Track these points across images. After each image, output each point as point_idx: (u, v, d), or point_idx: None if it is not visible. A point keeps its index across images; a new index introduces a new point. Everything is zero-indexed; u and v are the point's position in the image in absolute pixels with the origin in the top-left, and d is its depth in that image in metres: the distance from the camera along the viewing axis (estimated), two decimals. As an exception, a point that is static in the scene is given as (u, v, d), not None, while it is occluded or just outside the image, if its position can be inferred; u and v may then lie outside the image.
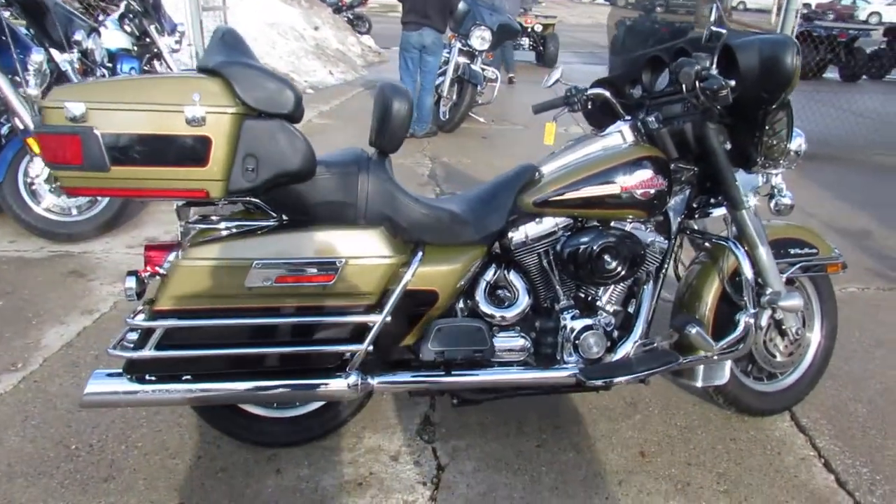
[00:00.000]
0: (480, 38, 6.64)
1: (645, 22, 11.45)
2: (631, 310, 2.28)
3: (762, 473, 2.21)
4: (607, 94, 2.42)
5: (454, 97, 6.78)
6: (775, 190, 2.25)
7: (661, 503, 2.07)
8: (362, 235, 1.86)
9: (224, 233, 1.89)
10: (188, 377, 1.90)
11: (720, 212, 2.33)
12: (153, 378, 1.89)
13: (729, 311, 2.32)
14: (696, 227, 2.38)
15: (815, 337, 2.50)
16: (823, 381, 2.58)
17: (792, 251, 2.37)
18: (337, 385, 1.96)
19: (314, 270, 1.81)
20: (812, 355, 2.51)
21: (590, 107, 2.48)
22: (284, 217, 1.93)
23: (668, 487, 2.13)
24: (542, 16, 12.55)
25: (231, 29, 1.92)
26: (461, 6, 6.60)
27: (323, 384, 1.96)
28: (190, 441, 2.23)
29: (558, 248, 2.13)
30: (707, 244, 2.39)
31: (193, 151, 1.71)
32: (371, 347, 1.91)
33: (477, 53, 6.76)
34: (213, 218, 1.92)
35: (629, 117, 2.32)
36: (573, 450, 2.28)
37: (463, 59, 6.75)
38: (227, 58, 1.77)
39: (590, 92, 2.44)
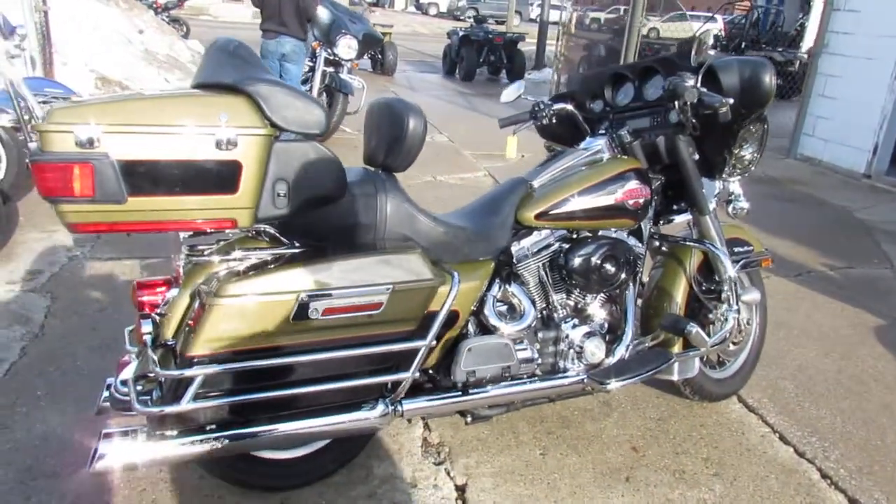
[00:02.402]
0: (347, 47, 6.55)
1: (478, 32, 12.01)
2: (607, 314, 2.40)
3: (737, 454, 2.43)
4: (572, 108, 2.53)
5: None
6: (733, 196, 2.49)
7: (668, 493, 2.20)
8: (406, 259, 1.79)
9: (242, 265, 1.73)
10: (212, 426, 1.71)
11: (681, 218, 2.53)
12: (173, 432, 1.68)
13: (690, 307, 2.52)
14: (663, 233, 2.56)
15: (753, 325, 2.79)
16: (753, 364, 2.87)
17: (736, 249, 2.62)
18: (372, 416, 1.87)
19: (363, 299, 1.72)
20: (751, 342, 2.80)
21: (554, 121, 2.57)
22: (296, 243, 1.81)
23: (668, 478, 2.27)
24: (380, 24, 12.62)
25: (241, 42, 1.77)
26: (323, 15, 6.48)
27: (358, 417, 1.86)
28: (184, 497, 2.00)
29: (564, 259, 2.19)
30: (664, 248, 2.58)
31: (222, 178, 1.56)
32: (418, 374, 1.85)
33: (343, 62, 6.66)
34: (205, 249, 1.76)
35: (602, 131, 2.44)
36: (574, 453, 2.35)
37: (329, 69, 6.63)
38: (245, 74, 1.63)
39: (556, 107, 2.53)
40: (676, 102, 2.17)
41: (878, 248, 4.84)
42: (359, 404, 1.89)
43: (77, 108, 1.48)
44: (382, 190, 1.89)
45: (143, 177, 1.49)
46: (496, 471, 2.23)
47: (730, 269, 2.37)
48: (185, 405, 1.59)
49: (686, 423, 2.59)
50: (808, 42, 14.00)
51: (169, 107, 1.54)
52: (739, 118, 2.21)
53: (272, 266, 1.71)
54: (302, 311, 1.65)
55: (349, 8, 7.06)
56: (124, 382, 1.78)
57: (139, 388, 1.73)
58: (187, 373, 1.59)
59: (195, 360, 1.60)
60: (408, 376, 1.85)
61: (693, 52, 2.15)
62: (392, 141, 1.93)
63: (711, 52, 2.14)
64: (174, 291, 1.78)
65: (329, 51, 6.57)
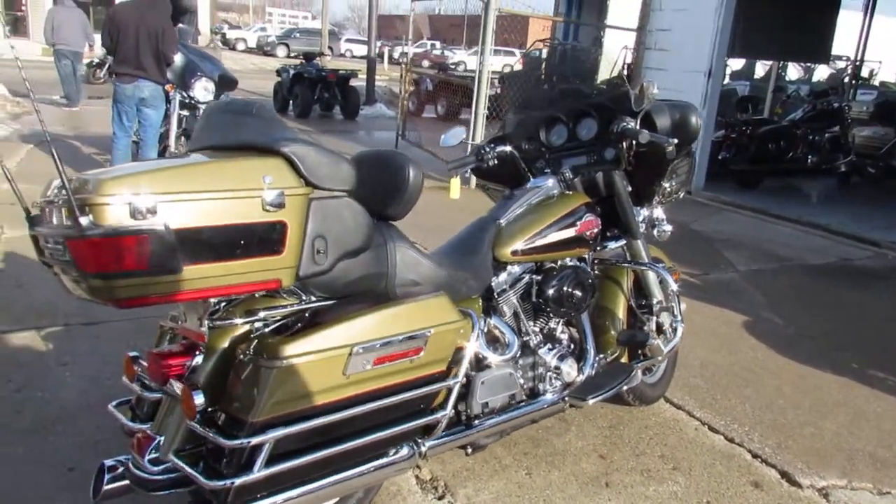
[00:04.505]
0: (203, 90, 6.34)
1: (311, 69, 12.01)
2: (570, 336, 2.62)
3: (683, 447, 2.76)
4: (511, 150, 2.75)
5: (183, 151, 6.35)
6: (657, 221, 2.84)
7: (644, 491, 2.46)
8: (437, 303, 1.88)
9: (268, 324, 1.73)
10: (265, 492, 1.68)
11: (614, 244, 2.83)
12: (236, 504, 1.62)
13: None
14: (601, 258, 2.84)
15: (671, 333, 3.17)
16: (667, 367, 3.25)
17: (656, 267, 2.98)
18: (401, 459, 1.92)
19: (407, 346, 1.78)
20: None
21: (496, 163, 2.77)
22: (313, 298, 1.84)
23: (639, 478, 2.53)
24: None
25: (262, 104, 1.78)
26: (177, 57, 6.24)
27: (389, 462, 1.90)
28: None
29: (539, 290, 2.39)
30: (597, 271, 2.87)
31: (270, 239, 1.58)
32: (452, 411, 1.93)
33: (199, 105, 6.43)
34: (228, 311, 1.74)
35: (548, 170, 2.68)
36: (554, 469, 2.54)
37: (184, 112, 6.37)
38: (276, 135, 1.67)
39: (498, 150, 2.74)
40: (624, 143, 2.46)
41: (720, 255, 5.59)
42: (386, 451, 1.93)
43: (128, 178, 1.43)
44: (391, 239, 1.97)
45: (197, 244, 1.47)
46: (495, 496, 2.35)
47: (672, 285, 2.71)
48: (258, 474, 1.56)
49: (634, 426, 2.88)
50: (602, 74, 15.68)
51: (217, 171, 1.54)
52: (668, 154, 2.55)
53: (317, 323, 1.72)
54: (355, 363, 1.69)
55: (200, 48, 6.84)
56: (156, 461, 1.69)
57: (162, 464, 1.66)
58: (256, 440, 1.55)
59: (259, 425, 1.57)
60: (446, 414, 1.93)
61: (634, 99, 2.45)
62: (392, 191, 2.01)
63: (650, 100, 2.45)
64: (198, 358, 1.73)
65: (184, 94, 6.32)
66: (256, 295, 1.75)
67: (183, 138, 6.36)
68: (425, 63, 27.62)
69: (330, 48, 25.35)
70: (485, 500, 2.33)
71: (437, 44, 37.41)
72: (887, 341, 4.06)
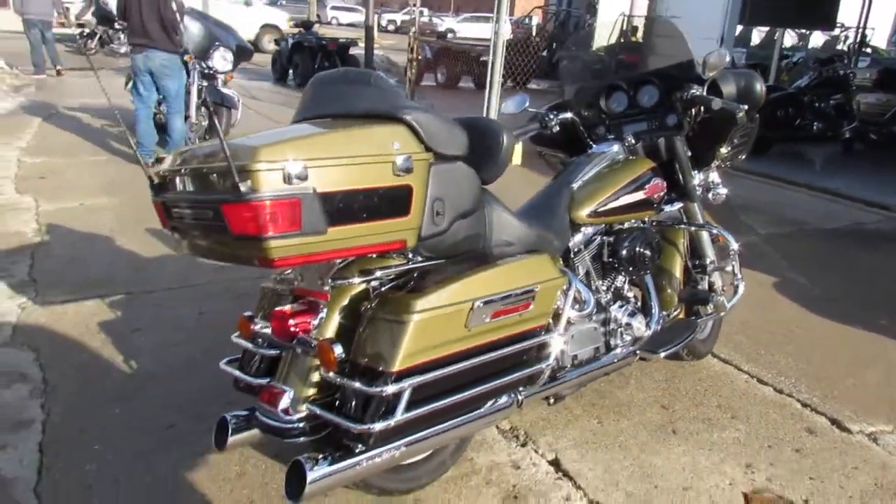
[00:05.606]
0: (223, 59, 6.36)
1: (311, 38, 11.89)
2: (636, 294, 2.76)
3: (738, 397, 2.92)
4: (573, 117, 2.85)
5: (204, 122, 6.38)
6: (712, 184, 2.96)
7: (709, 437, 2.61)
8: (541, 261, 2.00)
9: (382, 283, 1.84)
10: (401, 435, 1.80)
11: (669, 207, 2.95)
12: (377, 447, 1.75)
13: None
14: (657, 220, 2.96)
15: (718, 291, 3.31)
16: (709, 325, 3.39)
17: (707, 229, 3.10)
18: (502, 408, 2.05)
19: (518, 300, 1.90)
20: (718, 306, 3.31)
21: (557, 129, 2.86)
22: (419, 258, 1.95)
23: (702, 426, 2.68)
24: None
25: (379, 73, 1.87)
26: (194, 27, 6.23)
27: (492, 410, 2.03)
28: (323, 516, 2.04)
29: (613, 250, 2.52)
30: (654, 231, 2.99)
31: (399, 202, 1.70)
32: (555, 362, 2.06)
33: (218, 75, 6.45)
34: (348, 272, 1.85)
35: (612, 136, 2.78)
36: (623, 418, 2.69)
37: (204, 82, 6.38)
38: (397, 103, 1.77)
39: (561, 117, 2.83)
40: (693, 109, 2.57)
41: (739, 219, 5.74)
42: (488, 400, 2.05)
43: (279, 145, 1.53)
44: (487, 203, 2.07)
45: (339, 207, 1.58)
46: (573, 443, 2.50)
47: (734, 245, 2.83)
48: (399, 418, 1.68)
49: (688, 379, 3.03)
50: (598, 41, 15.71)
51: (355, 137, 1.63)
52: (732, 119, 2.66)
53: (430, 281, 1.82)
54: (476, 316, 1.81)
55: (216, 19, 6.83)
56: (286, 411, 1.79)
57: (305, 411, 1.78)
58: (396, 387, 1.67)
59: (397, 374, 1.68)
60: (549, 364, 2.06)
61: (703, 67, 2.55)
62: (487, 156, 2.11)
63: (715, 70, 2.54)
64: (322, 314, 1.84)
65: (203, 64, 6.32)
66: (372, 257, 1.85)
67: (203, 108, 6.37)
68: (413, 31, 27.27)
69: (318, 16, 24.98)
70: (564, 446, 2.47)
71: (425, 11, 36.93)
72: (909, 299, 4.24)
